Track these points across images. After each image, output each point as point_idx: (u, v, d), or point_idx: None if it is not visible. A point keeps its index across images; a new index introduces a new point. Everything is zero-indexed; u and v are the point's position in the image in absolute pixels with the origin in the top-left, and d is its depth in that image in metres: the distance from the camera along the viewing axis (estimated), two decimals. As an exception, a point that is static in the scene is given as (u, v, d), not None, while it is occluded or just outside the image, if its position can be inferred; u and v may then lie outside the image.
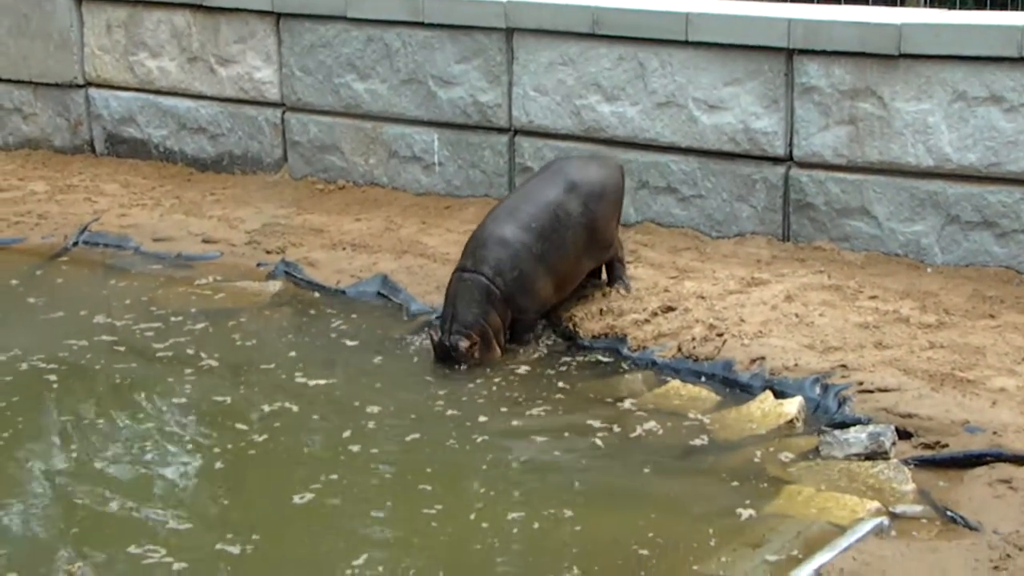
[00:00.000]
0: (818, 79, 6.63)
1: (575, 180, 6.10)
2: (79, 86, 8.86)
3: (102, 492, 4.81)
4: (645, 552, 4.28)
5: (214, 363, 5.92)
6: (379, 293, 6.66)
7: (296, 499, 4.70)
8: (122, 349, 6.11)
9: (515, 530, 4.47)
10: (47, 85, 8.95)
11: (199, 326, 6.32)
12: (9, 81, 9.07)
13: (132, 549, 4.41)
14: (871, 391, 5.19)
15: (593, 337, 6.02)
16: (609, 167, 6.38)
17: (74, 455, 5.13)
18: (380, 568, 4.29)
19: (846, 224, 6.69)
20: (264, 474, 4.96)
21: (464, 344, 5.72)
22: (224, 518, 4.64)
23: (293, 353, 6.00)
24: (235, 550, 4.39)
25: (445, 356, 5.76)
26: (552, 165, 6.35)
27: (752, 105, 6.81)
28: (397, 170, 7.89)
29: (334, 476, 4.85)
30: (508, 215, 6.02)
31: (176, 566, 4.32)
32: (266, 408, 5.41)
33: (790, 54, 6.68)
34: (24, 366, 5.90)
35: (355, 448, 5.05)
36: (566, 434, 5.17)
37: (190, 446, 5.15)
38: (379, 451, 5.05)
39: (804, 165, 6.77)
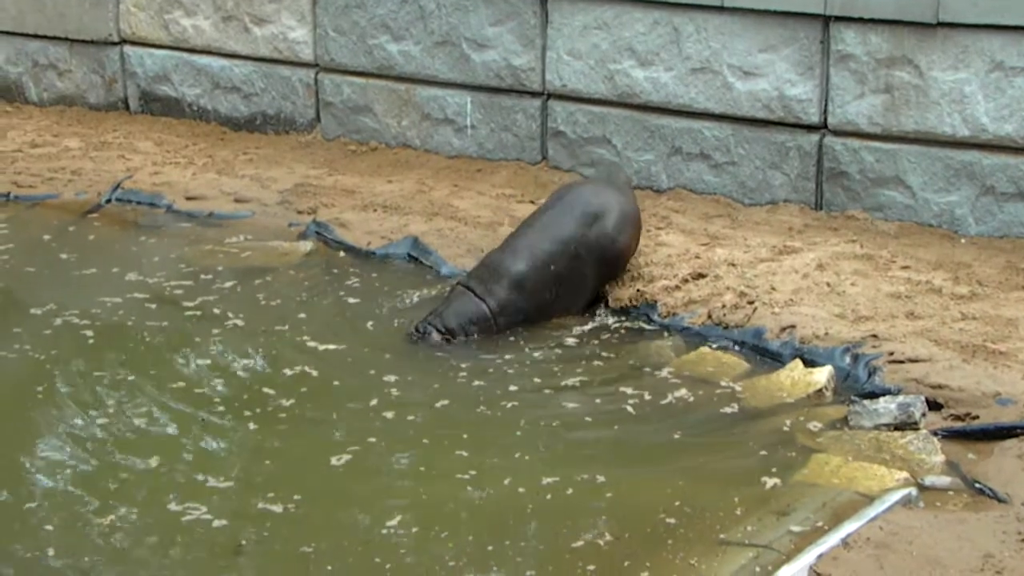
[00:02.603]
0: (854, 47, 6.58)
1: (595, 211, 5.96)
2: (114, 43, 8.88)
3: (138, 449, 4.84)
4: (673, 520, 4.28)
5: (241, 322, 5.93)
6: (409, 255, 6.67)
7: (333, 461, 4.72)
8: (154, 307, 6.14)
9: (549, 496, 4.48)
10: (82, 42, 8.97)
11: (229, 284, 6.34)
12: (45, 37, 9.09)
13: (172, 506, 4.44)
14: (902, 361, 5.17)
15: (623, 303, 6.02)
16: (625, 191, 6.23)
17: (110, 411, 5.15)
18: (415, 529, 4.31)
19: (880, 193, 6.65)
20: (298, 437, 4.97)
21: (436, 339, 5.68)
22: (263, 478, 4.66)
23: (317, 316, 6.00)
24: (277, 509, 4.42)
25: (414, 335, 5.72)
26: (567, 195, 6.09)
27: (787, 72, 6.76)
28: (429, 132, 7.89)
29: (372, 439, 4.86)
30: (527, 251, 5.86)
31: (216, 523, 4.35)
32: (288, 372, 5.41)
33: (826, 21, 6.62)
34: (59, 321, 5.94)
35: (388, 414, 5.05)
36: (597, 400, 5.17)
37: (221, 408, 5.16)
38: (411, 417, 5.05)
39: (839, 133, 6.73)
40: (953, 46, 6.35)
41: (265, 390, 5.26)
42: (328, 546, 4.22)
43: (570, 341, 5.75)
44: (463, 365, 5.44)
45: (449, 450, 4.81)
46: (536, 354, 5.60)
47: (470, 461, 4.72)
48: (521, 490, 4.51)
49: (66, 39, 9.02)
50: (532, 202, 7.13)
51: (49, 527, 4.36)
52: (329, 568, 4.12)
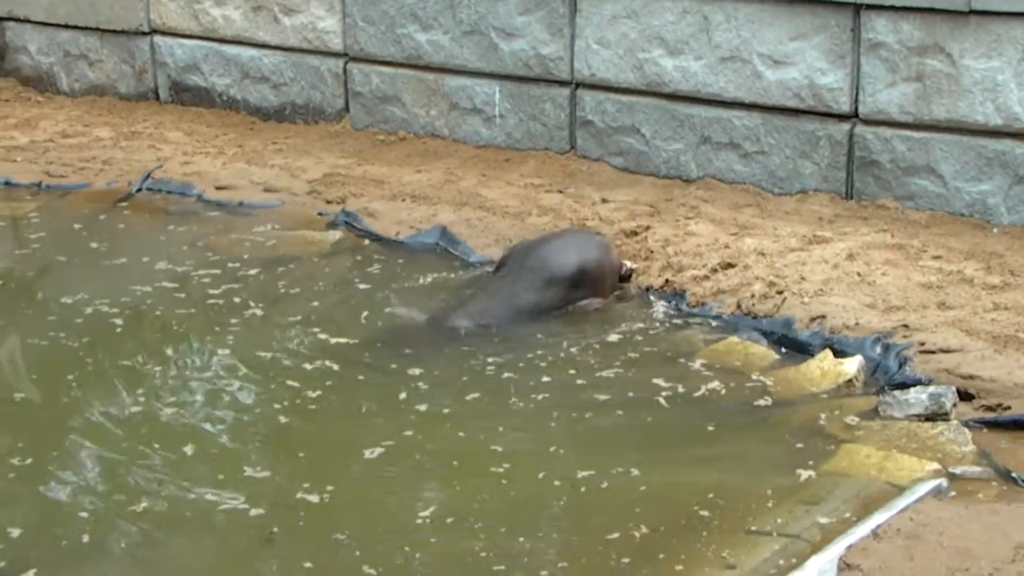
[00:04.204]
0: (886, 35, 6.54)
1: (554, 276, 5.80)
2: (144, 33, 8.91)
3: (169, 438, 4.86)
4: (706, 512, 4.27)
5: (268, 313, 5.93)
6: (438, 244, 6.67)
7: (367, 453, 4.72)
8: (182, 296, 6.16)
9: (583, 488, 4.47)
10: (113, 32, 9.01)
11: (257, 273, 6.36)
12: (76, 28, 9.14)
13: (209, 496, 4.46)
14: (933, 352, 5.14)
15: (651, 292, 6.00)
16: (585, 246, 6.00)
17: (141, 400, 5.18)
18: (449, 520, 4.31)
19: (911, 183, 6.61)
20: (330, 430, 4.98)
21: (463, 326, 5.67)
22: (298, 469, 4.66)
23: (343, 307, 5.99)
24: (313, 498, 4.43)
25: (433, 324, 5.69)
26: (529, 258, 5.87)
27: (818, 61, 6.73)
28: (458, 122, 7.88)
29: (407, 432, 4.86)
30: (481, 315, 5.73)
31: (254, 512, 4.37)
32: (312, 365, 5.40)
33: (857, 9, 6.59)
34: (89, 310, 5.97)
35: (421, 407, 5.04)
36: (629, 392, 5.14)
37: (249, 400, 5.17)
38: (444, 410, 5.04)
39: (870, 122, 6.69)
40: (985, 34, 6.31)
41: (290, 383, 5.26)
42: (359, 535, 4.23)
43: (599, 332, 5.73)
44: (490, 359, 5.43)
45: (483, 443, 4.80)
46: (566, 345, 5.58)
47: (504, 454, 4.71)
48: (556, 483, 4.51)
49: (97, 29, 9.06)
50: (560, 191, 7.13)
51: (83, 514, 4.38)
52: (357, 554, 4.13)
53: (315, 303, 6.04)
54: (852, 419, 4.85)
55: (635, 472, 4.54)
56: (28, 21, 9.34)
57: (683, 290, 5.93)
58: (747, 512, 4.25)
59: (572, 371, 5.33)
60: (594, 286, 5.86)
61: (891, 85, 6.59)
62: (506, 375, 5.29)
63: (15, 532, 4.27)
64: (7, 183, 7.70)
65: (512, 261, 5.95)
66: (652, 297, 5.98)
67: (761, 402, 5.04)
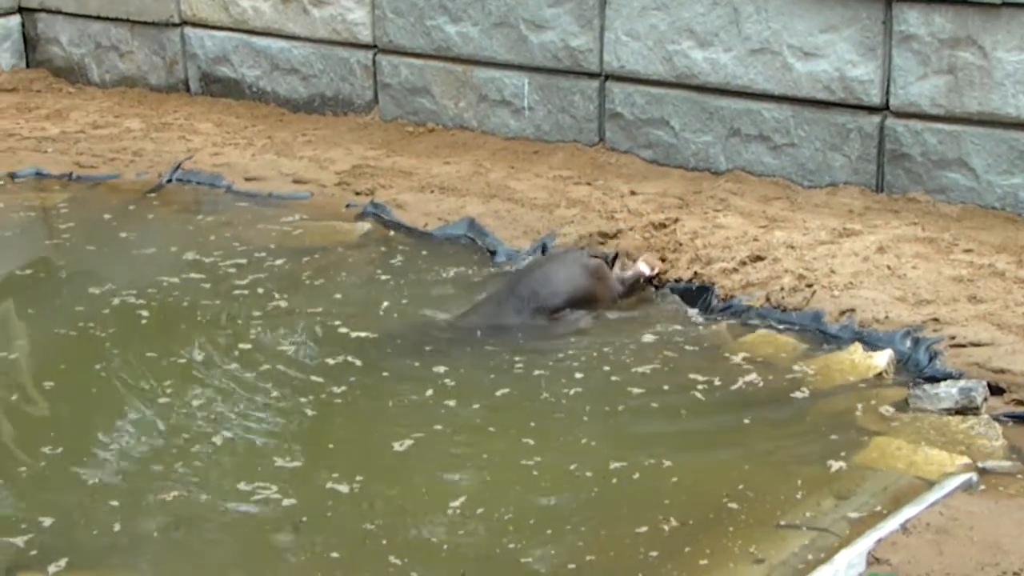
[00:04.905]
0: (917, 27, 6.50)
1: (541, 306, 5.75)
2: (175, 25, 8.94)
3: (200, 429, 4.88)
4: (736, 505, 4.26)
5: (295, 305, 5.94)
6: (466, 236, 6.67)
7: (396, 446, 4.73)
8: (208, 287, 6.17)
9: (615, 480, 4.46)
10: (144, 23, 9.04)
11: (285, 266, 6.37)
12: (107, 19, 9.18)
13: (242, 485, 4.48)
14: (963, 345, 5.12)
15: (681, 284, 5.98)
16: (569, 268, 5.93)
17: (168, 391, 5.19)
18: (479, 510, 4.31)
19: (942, 176, 6.57)
20: (358, 423, 4.98)
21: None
22: (328, 460, 4.68)
23: (369, 301, 5.98)
24: (344, 489, 4.44)
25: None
26: (518, 286, 5.81)
27: (848, 53, 6.70)
28: (487, 114, 7.88)
29: (437, 427, 4.86)
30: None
31: (286, 502, 4.38)
32: (336, 360, 5.39)
33: (889, 1, 6.55)
34: (117, 301, 6.00)
35: (450, 402, 5.03)
36: (663, 386, 5.13)
37: (275, 394, 5.17)
38: (472, 405, 5.04)
39: (900, 115, 6.66)
40: (1018, 26, 6.26)
41: (314, 378, 5.26)
42: (388, 525, 4.24)
43: (629, 326, 5.72)
44: (517, 358, 5.42)
45: (514, 437, 4.79)
46: (595, 340, 5.57)
47: (535, 447, 4.70)
48: (588, 475, 4.50)
49: (128, 21, 9.09)
50: (589, 183, 7.12)
51: (114, 503, 4.40)
52: (385, 543, 4.14)
53: (342, 296, 6.05)
54: (882, 413, 4.83)
55: (667, 464, 4.53)
56: (60, 12, 9.38)
57: (712, 283, 5.91)
58: (776, 505, 4.24)
59: (605, 367, 5.32)
60: (584, 309, 5.83)
61: (922, 78, 6.55)
62: (536, 372, 5.28)
63: (47, 521, 4.30)
64: (38, 173, 7.74)
65: (502, 286, 5.93)
66: (675, 294, 5.95)
67: (791, 395, 5.02)
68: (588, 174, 7.27)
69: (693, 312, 5.79)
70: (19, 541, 4.19)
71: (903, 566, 3.81)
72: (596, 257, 5.93)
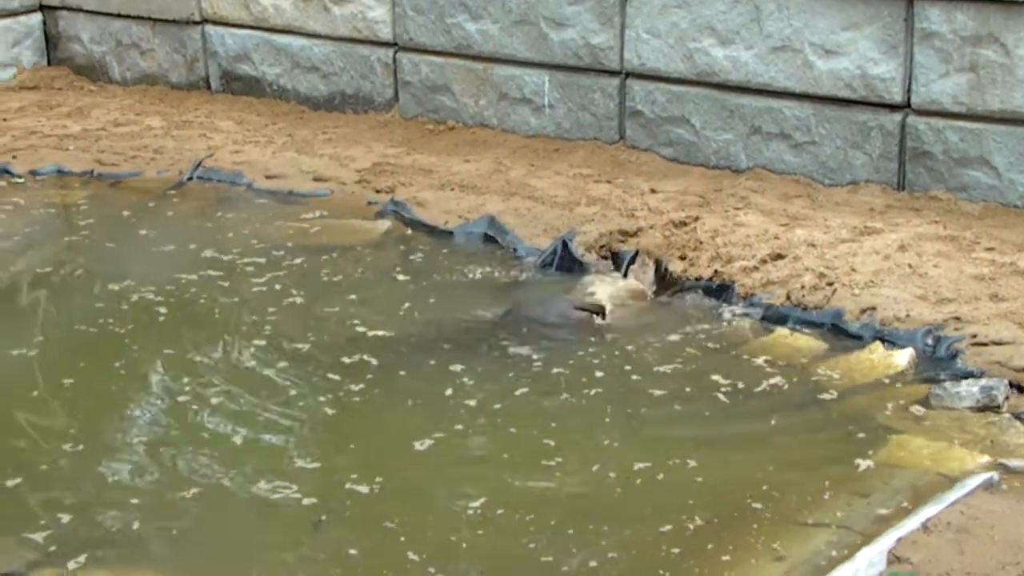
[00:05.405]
0: (939, 24, 6.47)
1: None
2: (196, 23, 8.95)
3: (219, 426, 4.89)
4: (759, 505, 4.25)
5: (311, 303, 5.93)
6: (486, 234, 6.66)
7: (417, 446, 4.72)
8: (226, 284, 6.18)
9: (638, 480, 4.45)
10: (165, 21, 9.06)
11: (304, 263, 6.38)
12: (128, 17, 9.20)
13: (262, 484, 4.49)
14: (985, 344, 5.09)
15: (701, 283, 5.97)
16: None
17: (186, 388, 5.20)
18: (499, 511, 4.30)
19: (964, 174, 6.54)
20: (377, 422, 4.98)
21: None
22: (348, 460, 4.68)
23: (386, 299, 5.98)
24: (363, 489, 4.44)
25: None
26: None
27: (870, 51, 6.67)
28: (507, 112, 7.88)
29: (458, 426, 4.85)
30: None
31: (306, 501, 4.38)
32: (352, 359, 5.38)
33: (911, -2, 6.53)
34: (135, 297, 6.02)
35: (469, 402, 5.02)
36: (685, 386, 5.11)
37: (292, 392, 5.17)
38: (492, 404, 5.02)
39: (922, 113, 6.63)
40: (1041, 24, 6.24)
41: (332, 376, 5.25)
42: (407, 524, 4.24)
43: (649, 324, 5.70)
44: (535, 356, 5.41)
45: (535, 436, 4.78)
46: (615, 339, 5.55)
47: (557, 447, 4.68)
48: (611, 475, 4.49)
49: (149, 19, 9.11)
50: (609, 182, 7.10)
51: (133, 499, 4.41)
52: (403, 540, 4.14)
53: (360, 294, 6.04)
54: (903, 411, 4.81)
55: (691, 464, 4.52)
56: (81, 10, 9.41)
57: (732, 281, 5.89)
58: (799, 504, 4.23)
59: (626, 367, 5.29)
60: None
61: (944, 75, 6.52)
62: (555, 371, 5.27)
63: (65, 517, 4.31)
64: (59, 171, 7.77)
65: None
66: (696, 293, 5.92)
67: (811, 394, 5.00)
68: (608, 172, 7.26)
69: (714, 310, 5.77)
70: (38, 537, 4.21)
71: (924, 565, 3.80)
72: (583, 310, 5.81)
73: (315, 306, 5.92)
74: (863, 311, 5.46)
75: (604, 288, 5.97)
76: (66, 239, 6.96)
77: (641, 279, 6.08)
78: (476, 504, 4.33)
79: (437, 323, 5.74)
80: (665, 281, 6.04)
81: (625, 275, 6.12)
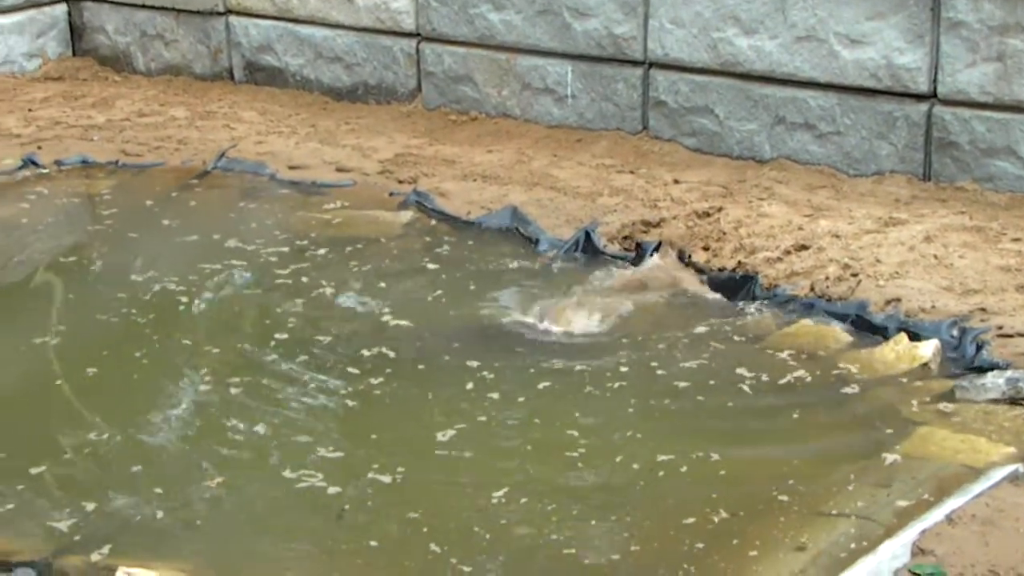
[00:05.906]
0: (966, 14, 6.43)
1: None
2: (219, 14, 8.96)
3: (242, 417, 4.89)
4: (784, 497, 4.23)
5: (334, 294, 5.92)
6: (509, 225, 6.65)
7: (439, 436, 4.72)
8: (248, 275, 6.19)
9: (662, 472, 4.44)
10: (189, 12, 9.07)
11: (327, 253, 6.37)
12: (152, 8, 9.21)
13: (287, 473, 4.49)
14: (1011, 335, 5.06)
15: (724, 273, 5.95)
16: None
17: (208, 378, 5.21)
18: (522, 500, 4.30)
19: (991, 164, 6.50)
20: (400, 413, 4.97)
21: None
22: (371, 450, 4.67)
23: (407, 291, 5.97)
24: (386, 479, 4.45)
25: None
26: None
27: (896, 40, 6.63)
28: (529, 102, 7.86)
29: (481, 417, 4.84)
30: None
31: (331, 490, 4.39)
32: (372, 351, 5.37)
33: (937, -12, 6.49)
34: (158, 287, 6.03)
35: (492, 395, 5.01)
36: (709, 379, 5.09)
37: (316, 383, 5.17)
38: (515, 397, 5.01)
39: (948, 103, 6.59)
40: (1069, 13, 6.19)
41: (355, 369, 5.25)
42: (430, 514, 4.24)
43: (670, 316, 5.68)
44: (558, 347, 5.40)
45: (558, 428, 4.77)
46: (637, 331, 5.53)
47: (580, 439, 4.67)
48: (634, 467, 4.48)
49: (173, 9, 9.12)
50: (632, 172, 7.08)
51: (157, 489, 4.42)
52: (426, 531, 4.14)
53: (382, 285, 6.03)
54: (928, 403, 4.79)
55: (715, 456, 4.51)
56: (105, 1, 9.42)
57: (756, 272, 5.87)
58: (823, 495, 4.21)
59: (649, 359, 5.27)
60: None
61: (971, 65, 6.48)
62: (578, 367, 5.25)
63: (90, 507, 4.32)
64: (84, 161, 7.79)
65: None
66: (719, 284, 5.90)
67: (836, 386, 4.98)
68: (631, 162, 7.24)
69: (737, 302, 5.75)
70: (63, 526, 4.22)
71: (948, 557, 3.78)
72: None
73: (338, 296, 5.92)
74: (888, 302, 5.43)
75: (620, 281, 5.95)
76: (90, 228, 6.98)
77: (663, 270, 6.06)
78: (499, 494, 4.33)
79: (459, 314, 5.74)
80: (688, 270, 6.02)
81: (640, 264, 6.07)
